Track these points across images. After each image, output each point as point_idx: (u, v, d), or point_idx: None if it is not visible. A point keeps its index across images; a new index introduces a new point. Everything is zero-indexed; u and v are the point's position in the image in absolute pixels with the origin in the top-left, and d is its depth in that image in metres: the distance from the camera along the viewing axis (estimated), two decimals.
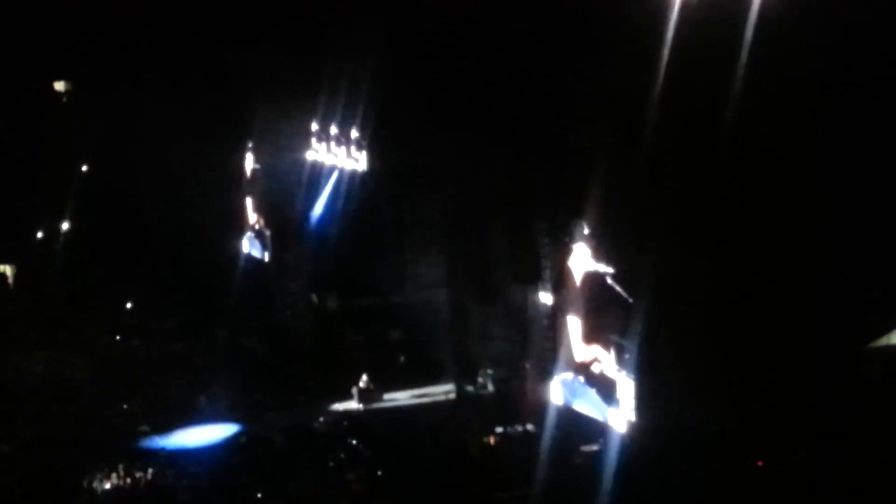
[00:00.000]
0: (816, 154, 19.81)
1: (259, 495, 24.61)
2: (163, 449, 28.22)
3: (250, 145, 40.09)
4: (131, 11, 37.64)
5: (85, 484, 25.73)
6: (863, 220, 19.56)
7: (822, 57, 18.90)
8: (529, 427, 26.65)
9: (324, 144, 37.25)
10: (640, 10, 21.75)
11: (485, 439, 26.55)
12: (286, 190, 38.38)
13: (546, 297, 25.98)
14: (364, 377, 31.39)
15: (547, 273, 25.83)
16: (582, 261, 23.87)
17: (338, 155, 36.52)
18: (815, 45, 18.87)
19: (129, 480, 25.94)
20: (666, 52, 21.29)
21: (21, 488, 25.74)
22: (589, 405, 23.96)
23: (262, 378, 33.55)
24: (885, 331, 20.31)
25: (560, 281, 25.19)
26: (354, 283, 36.70)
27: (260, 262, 39.77)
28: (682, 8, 21.14)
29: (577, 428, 24.39)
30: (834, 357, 20.08)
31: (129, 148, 39.07)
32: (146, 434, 29.35)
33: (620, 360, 22.50)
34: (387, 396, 31.55)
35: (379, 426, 29.30)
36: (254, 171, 40.35)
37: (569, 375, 24.80)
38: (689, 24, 20.98)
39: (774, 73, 19.62)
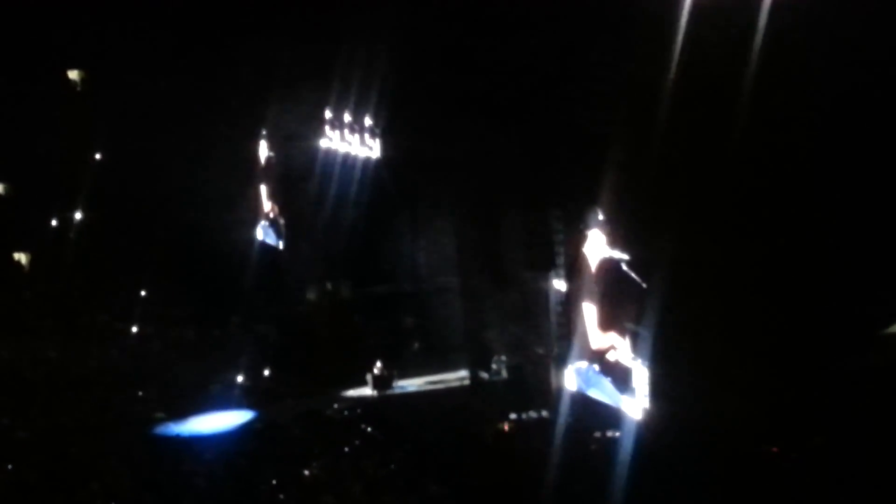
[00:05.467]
0: (833, 143, 19.75)
1: (274, 481, 24.67)
2: (178, 435, 28.34)
3: (264, 133, 40.08)
4: None
5: (100, 471, 25.80)
6: (877, 207, 19.51)
7: (841, 43, 18.82)
8: (544, 413, 26.68)
9: (337, 132, 37.23)
10: None
11: (499, 425, 26.58)
12: (300, 178, 38.37)
13: (560, 285, 25.95)
14: (378, 364, 31.48)
15: (561, 260, 25.80)
16: (597, 248, 23.81)
17: (351, 143, 36.51)
18: (833, 31, 18.80)
19: (144, 467, 26.01)
20: (681, 39, 21.23)
21: (37, 475, 25.81)
22: (603, 394, 23.93)
23: (276, 365, 33.65)
24: None
25: (574, 268, 25.14)
26: (368, 270, 36.77)
27: (274, 249, 39.77)
28: None
29: (592, 415, 24.37)
30: (849, 343, 20.05)
31: (142, 136, 39.04)
32: (161, 421, 29.48)
33: (636, 348, 22.47)
34: (401, 383, 31.66)
35: (393, 413, 29.34)
36: (268, 158, 40.31)
37: (583, 364, 24.77)
38: (705, 10, 20.92)
39: (791, 60, 19.56)
